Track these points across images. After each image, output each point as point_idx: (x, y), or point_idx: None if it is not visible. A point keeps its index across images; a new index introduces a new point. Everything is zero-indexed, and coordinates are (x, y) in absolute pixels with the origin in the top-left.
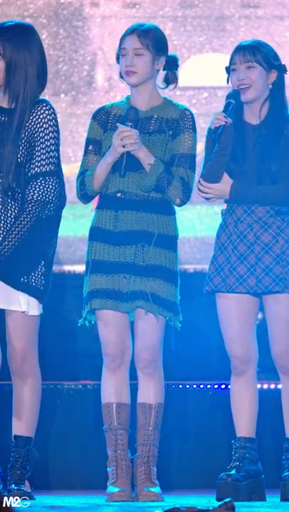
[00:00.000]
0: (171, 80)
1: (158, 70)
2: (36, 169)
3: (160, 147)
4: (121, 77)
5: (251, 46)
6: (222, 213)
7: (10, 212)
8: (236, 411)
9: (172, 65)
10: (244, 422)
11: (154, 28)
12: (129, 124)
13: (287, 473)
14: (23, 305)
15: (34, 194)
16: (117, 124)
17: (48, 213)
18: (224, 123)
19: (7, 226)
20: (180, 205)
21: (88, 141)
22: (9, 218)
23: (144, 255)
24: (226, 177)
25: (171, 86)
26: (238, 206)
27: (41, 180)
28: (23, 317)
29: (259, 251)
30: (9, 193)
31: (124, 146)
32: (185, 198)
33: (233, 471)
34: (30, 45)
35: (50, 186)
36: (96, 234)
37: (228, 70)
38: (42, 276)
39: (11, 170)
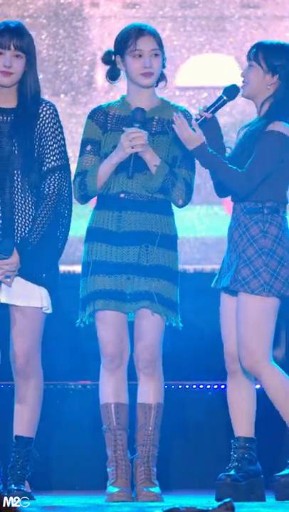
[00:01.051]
0: (162, 78)
1: None
2: (53, 163)
3: (164, 148)
4: (122, 77)
5: (258, 46)
6: None
7: (28, 207)
8: (233, 411)
9: (165, 63)
10: (241, 421)
11: (154, 28)
12: (137, 125)
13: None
14: (44, 301)
15: (55, 188)
16: (124, 128)
17: (64, 207)
18: (199, 117)
19: (26, 221)
20: (182, 206)
21: (86, 142)
22: (28, 214)
23: (148, 256)
24: (201, 133)
25: (162, 84)
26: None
27: (58, 174)
28: (35, 315)
29: (230, 248)
30: (27, 189)
31: (132, 147)
32: (187, 199)
33: (232, 472)
34: (34, 43)
35: (65, 180)
36: (97, 234)
37: None
38: (55, 274)
39: (30, 165)
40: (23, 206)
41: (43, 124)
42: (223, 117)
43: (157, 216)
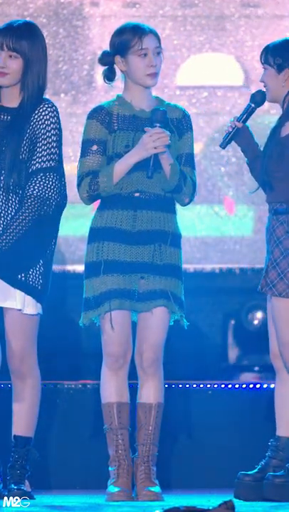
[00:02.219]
0: None
1: None
2: (37, 165)
3: (172, 147)
4: (124, 77)
5: (266, 48)
6: None
7: (11, 208)
8: (276, 408)
9: None
10: (282, 420)
11: None
12: (158, 125)
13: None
14: (19, 303)
15: (34, 190)
16: (145, 128)
17: (47, 210)
18: (231, 129)
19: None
20: (186, 205)
21: (91, 142)
22: (10, 214)
23: (161, 254)
24: None
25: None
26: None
27: (42, 176)
28: (21, 316)
29: (267, 250)
30: (11, 190)
31: (154, 148)
32: (192, 197)
33: (254, 471)
34: (41, 42)
35: (51, 182)
36: (108, 234)
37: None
38: (40, 275)
39: (15, 166)
40: (5, 207)
41: (36, 125)
42: (223, 117)
43: (168, 215)
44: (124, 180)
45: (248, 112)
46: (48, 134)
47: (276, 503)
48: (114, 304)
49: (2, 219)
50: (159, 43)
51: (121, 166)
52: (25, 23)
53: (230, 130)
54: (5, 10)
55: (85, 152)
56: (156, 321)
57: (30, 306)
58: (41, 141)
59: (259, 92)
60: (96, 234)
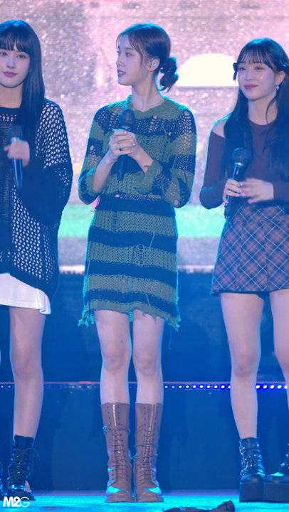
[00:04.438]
0: (166, 82)
1: (154, 72)
2: (53, 161)
3: (158, 149)
4: None
5: (261, 46)
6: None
7: (27, 207)
8: (240, 412)
9: (167, 67)
10: (251, 423)
11: (151, 29)
12: (126, 127)
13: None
14: (41, 303)
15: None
16: (113, 129)
17: (60, 199)
18: (238, 195)
19: (24, 221)
20: (179, 207)
21: (90, 142)
22: (26, 214)
23: (141, 256)
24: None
25: (166, 89)
26: (246, 206)
27: (59, 171)
28: (34, 316)
29: (270, 249)
30: None
31: (120, 149)
32: (183, 200)
33: (260, 471)
34: (39, 41)
35: (64, 177)
36: (95, 234)
37: (235, 66)
38: (53, 275)
39: (30, 165)
40: (22, 207)
41: (46, 125)
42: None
43: (152, 217)
44: (108, 181)
45: (239, 171)
46: (58, 132)
47: (276, 504)
48: (93, 304)
49: (19, 219)
50: (133, 45)
51: (100, 168)
52: (24, 23)
53: (231, 195)
54: (5, 11)
55: (86, 152)
56: (141, 323)
57: (47, 306)
58: (53, 140)
59: (239, 151)
60: (89, 233)
